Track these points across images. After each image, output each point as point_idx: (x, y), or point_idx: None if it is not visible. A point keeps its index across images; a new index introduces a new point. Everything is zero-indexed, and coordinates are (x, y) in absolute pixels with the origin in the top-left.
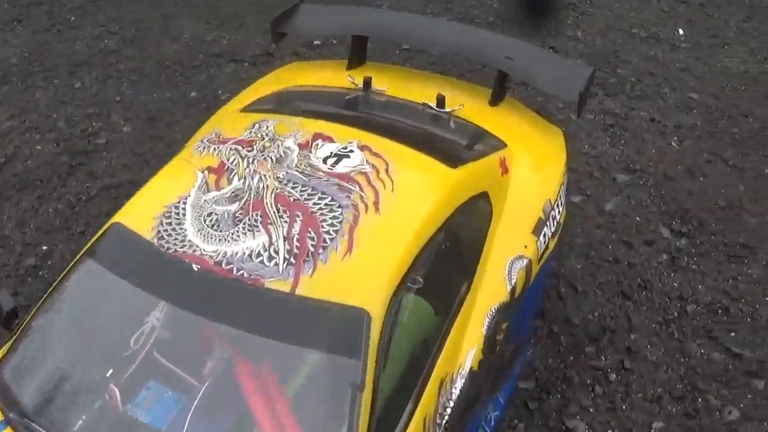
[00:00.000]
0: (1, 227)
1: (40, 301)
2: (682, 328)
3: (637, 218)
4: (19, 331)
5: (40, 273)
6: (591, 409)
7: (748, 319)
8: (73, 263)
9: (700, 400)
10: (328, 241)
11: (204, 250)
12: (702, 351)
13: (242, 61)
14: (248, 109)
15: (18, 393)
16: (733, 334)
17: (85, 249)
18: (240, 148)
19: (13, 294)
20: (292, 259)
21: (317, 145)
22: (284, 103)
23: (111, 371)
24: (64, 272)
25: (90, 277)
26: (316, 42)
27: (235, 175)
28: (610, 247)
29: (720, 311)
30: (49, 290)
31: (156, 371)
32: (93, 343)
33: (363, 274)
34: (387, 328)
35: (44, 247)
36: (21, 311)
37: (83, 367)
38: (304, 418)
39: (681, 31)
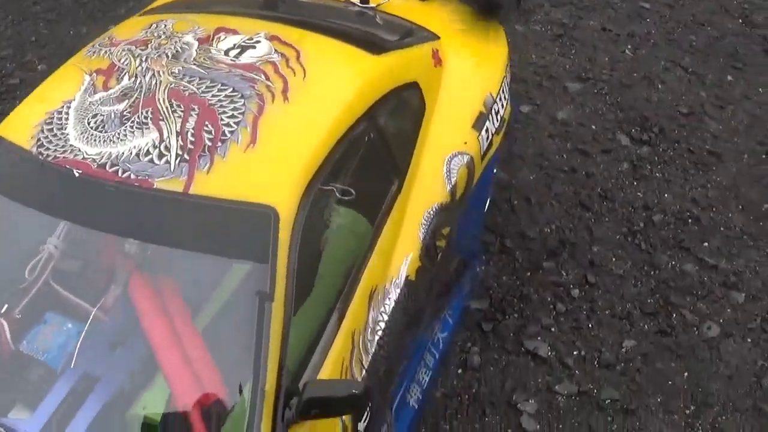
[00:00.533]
0: None
1: None
2: (649, 239)
3: (593, 126)
4: None
5: None
6: (553, 329)
7: (722, 228)
8: None
9: (674, 315)
10: (227, 133)
11: (87, 154)
12: (673, 263)
13: None
14: (146, 12)
15: None
16: (705, 244)
17: None
18: (133, 47)
19: None
20: (185, 156)
21: (219, 38)
22: (189, 6)
23: (5, 306)
24: None
25: None
26: None
27: (125, 74)
28: (565, 156)
29: (690, 221)
30: None
31: (54, 302)
32: None
33: (269, 167)
34: (299, 228)
35: None
36: None
37: None
38: (207, 333)
39: None
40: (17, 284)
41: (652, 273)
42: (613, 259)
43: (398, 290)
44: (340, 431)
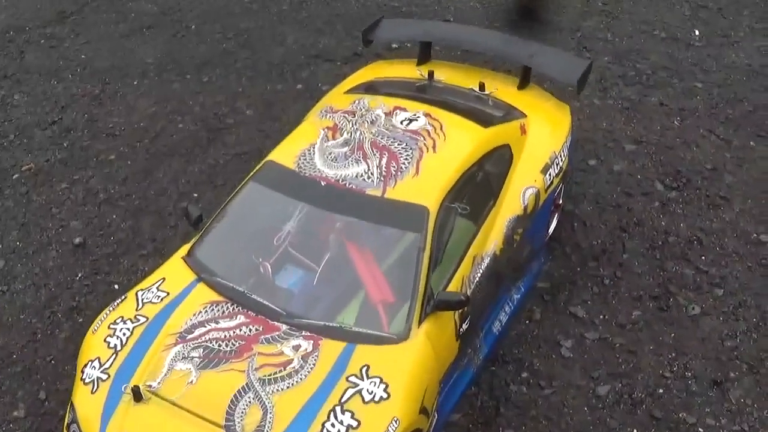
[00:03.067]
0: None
1: (218, 210)
2: (663, 252)
3: (639, 176)
4: (204, 229)
5: None
6: (589, 302)
7: (718, 248)
8: (239, 187)
9: (671, 299)
10: (403, 168)
11: (327, 174)
12: (677, 268)
13: (335, 60)
14: (349, 91)
15: (206, 263)
16: (703, 257)
17: (246, 178)
18: (346, 115)
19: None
20: (381, 178)
21: (396, 113)
22: (374, 88)
23: (261, 258)
24: (234, 191)
25: (252, 193)
26: (394, 45)
27: (344, 131)
28: (614, 196)
29: (695, 242)
30: (224, 203)
31: (291, 259)
32: (252, 239)
33: (425, 186)
34: (439, 218)
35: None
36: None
37: (247, 253)
38: (387, 267)
39: (696, 32)
40: (270, 247)
41: (661, 273)
42: (636, 263)
43: (489, 258)
44: (452, 327)
